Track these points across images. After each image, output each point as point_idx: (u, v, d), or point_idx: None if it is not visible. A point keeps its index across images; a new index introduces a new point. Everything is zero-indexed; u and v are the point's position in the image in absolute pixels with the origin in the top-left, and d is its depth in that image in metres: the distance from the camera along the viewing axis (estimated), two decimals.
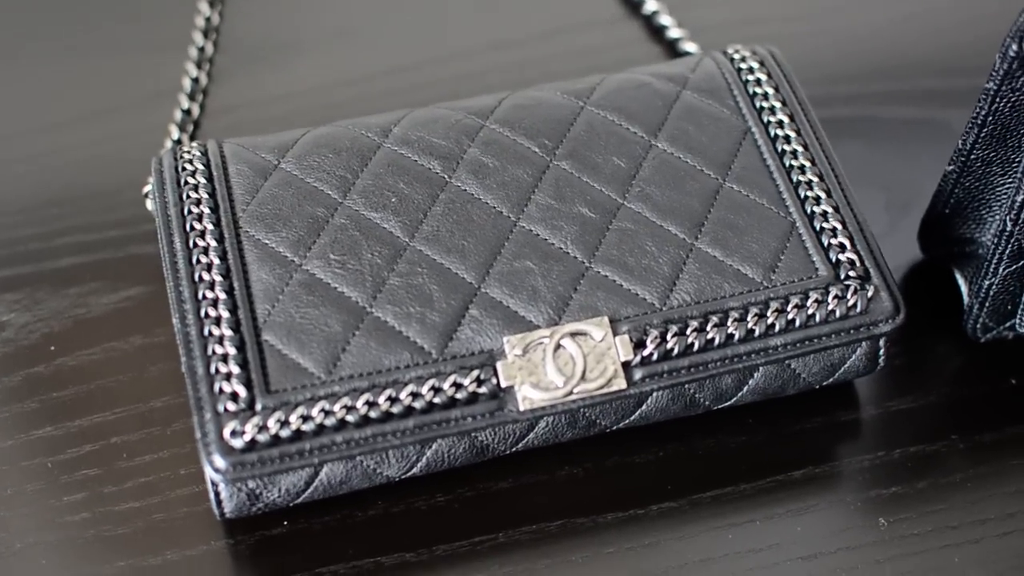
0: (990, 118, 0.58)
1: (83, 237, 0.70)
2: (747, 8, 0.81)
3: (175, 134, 0.72)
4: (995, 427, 0.63)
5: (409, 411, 0.55)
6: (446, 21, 0.80)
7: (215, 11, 0.79)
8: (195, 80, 0.75)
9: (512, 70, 0.77)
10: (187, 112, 0.74)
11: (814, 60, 0.77)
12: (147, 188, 0.64)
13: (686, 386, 0.58)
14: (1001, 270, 0.60)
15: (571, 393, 0.55)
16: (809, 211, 0.60)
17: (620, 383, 0.56)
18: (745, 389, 0.60)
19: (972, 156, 0.60)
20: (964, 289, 0.63)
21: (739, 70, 0.66)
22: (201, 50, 0.77)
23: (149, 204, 0.64)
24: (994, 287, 0.60)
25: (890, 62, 0.78)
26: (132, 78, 0.77)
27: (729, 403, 0.60)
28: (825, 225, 0.60)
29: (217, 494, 0.57)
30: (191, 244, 0.59)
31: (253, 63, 0.78)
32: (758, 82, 0.65)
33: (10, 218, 0.71)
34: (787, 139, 0.63)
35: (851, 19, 0.80)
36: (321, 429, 0.54)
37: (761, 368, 0.59)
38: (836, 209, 0.60)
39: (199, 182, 0.61)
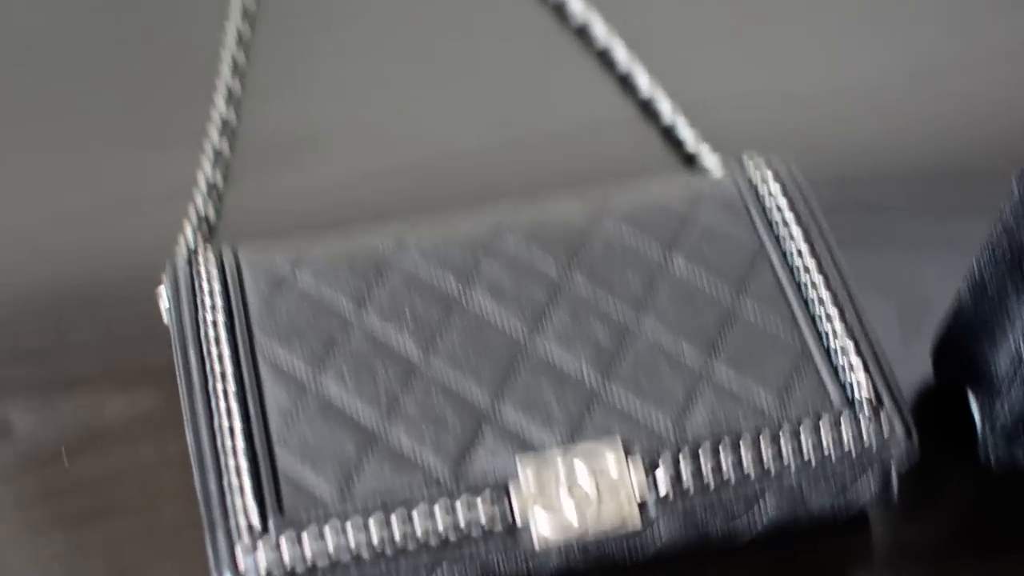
0: (1004, 242, 0.58)
1: (97, 339, 0.70)
2: (765, 111, 0.80)
3: (190, 234, 0.72)
4: (1011, 557, 0.62)
5: (422, 539, 0.55)
6: (462, 120, 0.80)
7: (231, 108, 0.79)
8: (210, 179, 0.75)
9: (528, 171, 0.77)
10: (202, 212, 0.74)
11: (831, 165, 0.77)
12: (162, 296, 0.64)
13: (699, 516, 0.58)
14: (1014, 395, 0.59)
15: (586, 532, 0.55)
16: (823, 335, 0.60)
17: (635, 522, 0.56)
18: (757, 519, 0.59)
19: (986, 280, 0.60)
20: (977, 414, 0.63)
21: (754, 185, 0.66)
22: (217, 149, 0.77)
23: (164, 310, 0.63)
24: (1007, 412, 0.60)
25: (906, 170, 0.78)
26: (147, 174, 0.77)
27: (740, 533, 0.60)
28: (839, 351, 0.59)
29: None
30: (206, 360, 0.59)
31: (269, 160, 0.78)
32: (773, 196, 0.65)
33: (23, 316, 0.71)
34: (801, 256, 0.63)
35: (870, 126, 0.80)
36: (335, 564, 0.54)
37: (773, 498, 0.59)
38: (850, 333, 0.60)
39: (214, 294, 0.61)
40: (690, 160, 0.77)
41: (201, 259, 0.63)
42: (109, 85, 0.82)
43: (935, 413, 0.66)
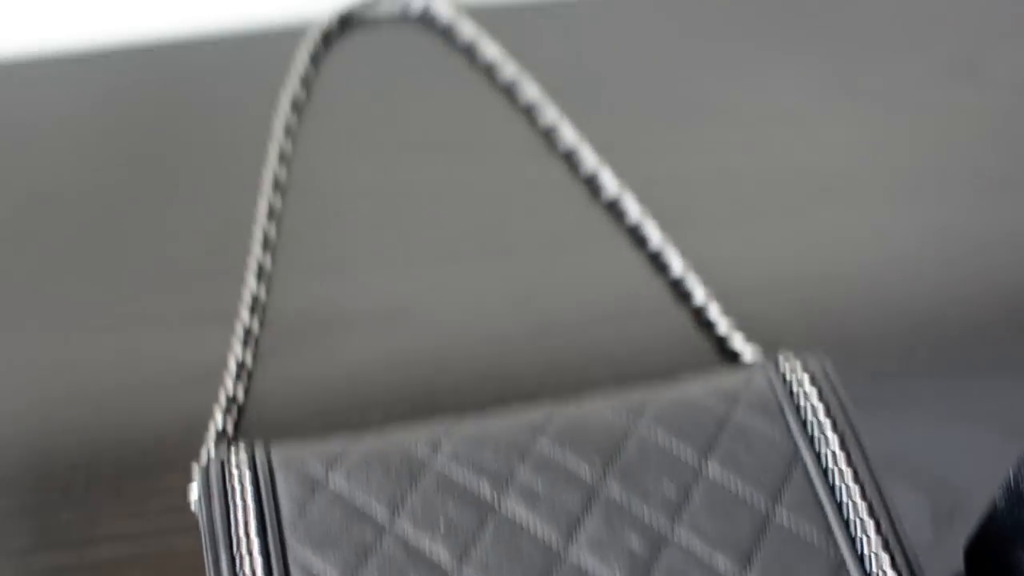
0: None
1: (125, 525, 0.69)
2: (798, 300, 0.80)
3: (220, 420, 0.72)
4: None
5: None
6: (491, 303, 0.80)
7: (262, 286, 0.79)
8: (240, 359, 0.75)
9: (557, 356, 0.77)
10: (232, 396, 0.73)
11: (862, 350, 0.77)
12: (193, 493, 0.63)
13: None
14: None
15: None
16: (859, 547, 0.60)
17: None
18: None
19: (1022, 488, 0.60)
20: None
21: (790, 387, 0.66)
22: (247, 328, 0.77)
23: (194, 506, 0.63)
24: None
25: (940, 355, 0.78)
26: (176, 352, 0.77)
27: None
28: (875, 563, 0.59)
29: None
30: (238, 565, 0.59)
31: (299, 341, 0.78)
32: (808, 400, 0.65)
33: (51, 498, 0.70)
34: (837, 465, 0.62)
35: (908, 304, 0.80)
36: None
37: None
38: (886, 545, 0.60)
39: (247, 497, 0.61)
40: (724, 350, 0.77)
41: (233, 458, 0.63)
42: (138, 260, 0.82)
43: None
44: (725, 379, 0.67)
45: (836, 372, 0.67)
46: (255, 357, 0.76)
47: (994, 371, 0.77)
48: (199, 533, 0.61)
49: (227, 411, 0.73)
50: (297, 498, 0.61)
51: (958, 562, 0.67)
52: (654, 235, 0.82)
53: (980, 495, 0.64)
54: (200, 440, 0.72)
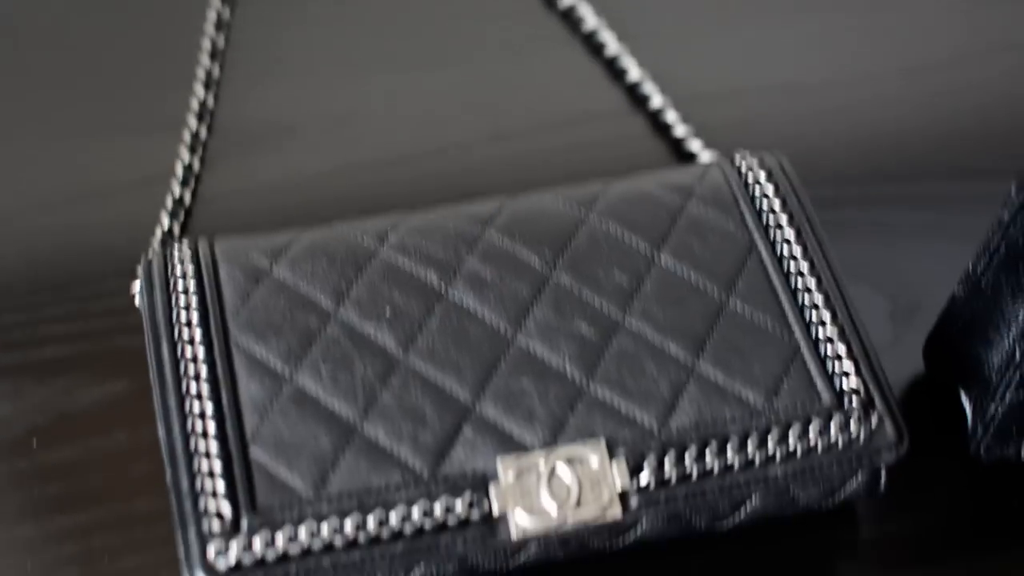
0: (1002, 246, 0.57)
1: (69, 326, 0.68)
2: (755, 106, 0.79)
3: (166, 222, 0.71)
4: (998, 550, 0.61)
5: (398, 535, 0.54)
6: (447, 110, 0.79)
7: (210, 94, 0.78)
8: (188, 166, 0.74)
9: (513, 162, 0.76)
10: (179, 199, 0.72)
11: (823, 159, 0.76)
12: (136, 287, 0.62)
13: (682, 511, 0.57)
14: (1008, 396, 0.59)
15: (565, 521, 0.54)
16: (814, 334, 0.59)
17: (616, 512, 0.54)
18: (742, 513, 0.58)
19: (982, 281, 0.59)
20: (968, 410, 0.62)
21: (746, 181, 0.64)
22: (195, 134, 0.75)
23: (137, 301, 0.62)
24: (1000, 412, 0.59)
25: (901, 164, 0.77)
26: (122, 161, 0.76)
27: (725, 526, 0.59)
28: (830, 349, 0.58)
29: None
30: (179, 352, 0.58)
31: (247, 149, 0.77)
32: (765, 194, 0.64)
33: None
34: (793, 257, 0.61)
35: (862, 119, 0.79)
36: (308, 552, 0.53)
37: (761, 499, 0.57)
38: (842, 333, 0.59)
39: (189, 287, 0.60)
40: (682, 155, 0.75)
41: (176, 251, 0.62)
42: (86, 70, 0.81)
43: (925, 406, 0.65)
44: (679, 174, 0.66)
45: (794, 171, 0.65)
46: (203, 162, 0.75)
47: (957, 178, 0.76)
48: (143, 333, 0.60)
49: (173, 214, 0.72)
50: (240, 288, 0.60)
51: (918, 363, 0.66)
52: (611, 41, 0.80)
53: (940, 297, 0.63)
54: (146, 246, 0.70)
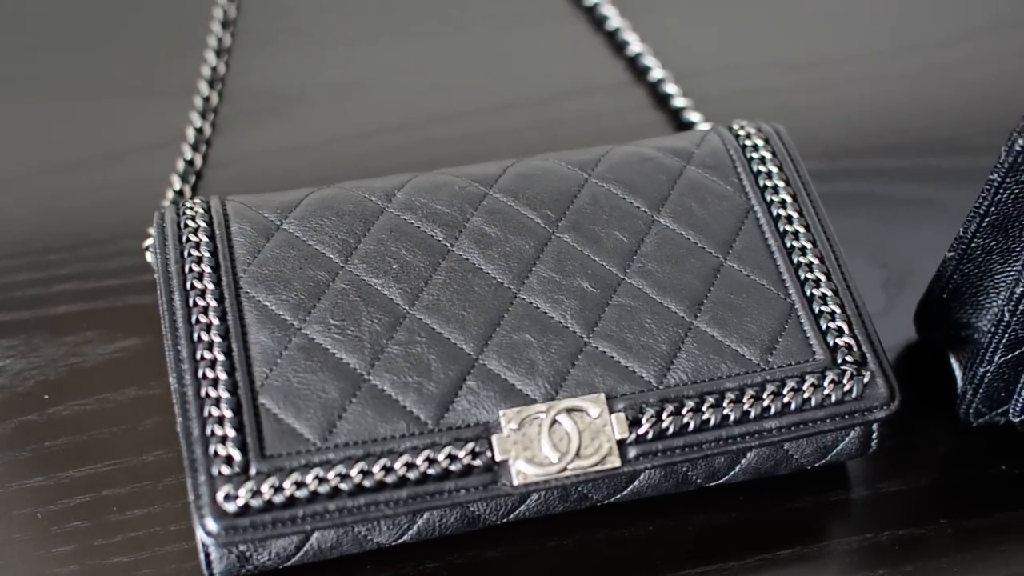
0: (992, 208, 0.58)
1: (81, 284, 0.70)
2: (753, 79, 0.81)
3: (177, 184, 0.72)
4: (983, 512, 0.63)
5: (403, 481, 0.55)
6: (453, 80, 0.81)
7: (221, 61, 0.79)
8: (199, 130, 0.75)
9: (517, 132, 0.77)
10: (189, 162, 0.74)
11: (818, 133, 0.78)
12: (148, 242, 0.64)
13: (679, 464, 0.58)
14: (996, 358, 0.60)
15: (565, 469, 0.55)
16: (808, 293, 0.60)
17: (614, 461, 0.56)
18: (737, 468, 0.60)
19: (972, 244, 0.60)
20: (958, 374, 0.63)
21: (743, 147, 0.66)
22: (206, 100, 0.77)
23: (149, 257, 0.63)
24: (989, 374, 0.61)
25: (895, 139, 0.78)
26: (135, 124, 0.77)
27: (721, 481, 0.61)
28: (824, 308, 0.60)
29: (207, 555, 0.56)
30: (191, 303, 0.59)
31: (258, 114, 0.78)
32: (762, 160, 0.65)
33: (8, 262, 0.71)
34: (789, 219, 0.63)
35: (857, 94, 0.80)
36: (315, 496, 0.54)
37: (754, 449, 0.59)
38: (836, 292, 0.60)
39: (201, 240, 0.61)
40: (681, 126, 0.77)
41: (189, 207, 0.63)
42: (101, 36, 0.82)
43: (916, 371, 0.67)
44: (679, 140, 0.67)
45: (791, 140, 0.67)
46: (214, 127, 0.77)
47: (948, 153, 0.77)
48: (155, 291, 0.61)
49: (184, 177, 0.73)
50: (251, 242, 0.61)
51: (910, 331, 0.68)
52: (613, 15, 0.82)
53: (931, 268, 0.64)
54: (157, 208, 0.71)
